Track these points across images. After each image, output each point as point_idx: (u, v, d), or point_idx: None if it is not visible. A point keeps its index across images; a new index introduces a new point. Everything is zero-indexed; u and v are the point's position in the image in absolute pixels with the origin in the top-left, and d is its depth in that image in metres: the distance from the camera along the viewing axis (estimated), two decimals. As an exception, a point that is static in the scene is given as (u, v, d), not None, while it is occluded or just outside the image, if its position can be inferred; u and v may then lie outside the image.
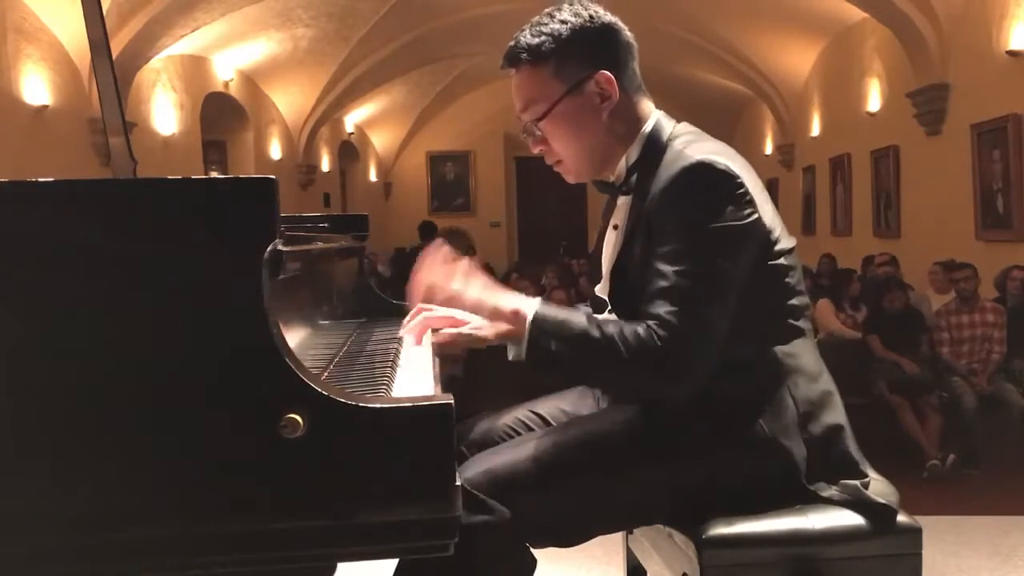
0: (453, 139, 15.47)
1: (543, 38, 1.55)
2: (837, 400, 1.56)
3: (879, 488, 1.53)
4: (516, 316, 1.46)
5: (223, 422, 1.12)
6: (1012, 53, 5.98)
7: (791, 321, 1.54)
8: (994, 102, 6.22)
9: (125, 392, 1.12)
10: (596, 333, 1.42)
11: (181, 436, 1.12)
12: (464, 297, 1.50)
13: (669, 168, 1.48)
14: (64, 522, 1.10)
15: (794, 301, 1.55)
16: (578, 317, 1.47)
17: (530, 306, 1.47)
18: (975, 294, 5.15)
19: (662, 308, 1.41)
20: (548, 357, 1.44)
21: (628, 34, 1.61)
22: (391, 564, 1.41)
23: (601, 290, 1.68)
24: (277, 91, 10.82)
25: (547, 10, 1.58)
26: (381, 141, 15.45)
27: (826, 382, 1.56)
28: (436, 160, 15.80)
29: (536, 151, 1.65)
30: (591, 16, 1.57)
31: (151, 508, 1.11)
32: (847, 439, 1.53)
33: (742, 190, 1.46)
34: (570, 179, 1.68)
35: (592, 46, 1.56)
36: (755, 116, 12.85)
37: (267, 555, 1.13)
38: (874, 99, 8.61)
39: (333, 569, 1.23)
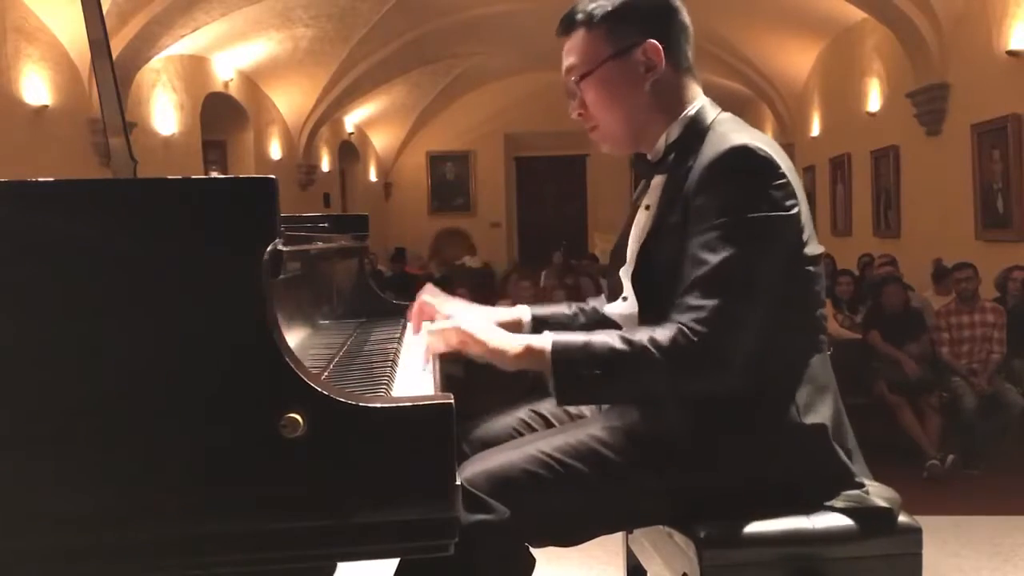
0: (453, 139, 15.45)
1: (600, 2, 1.56)
2: (842, 409, 1.52)
3: (878, 492, 1.50)
4: (531, 353, 1.41)
5: (223, 422, 1.12)
6: (1012, 53, 5.98)
7: (815, 334, 1.51)
8: (994, 102, 6.22)
9: (125, 392, 1.12)
10: (625, 346, 1.37)
11: (181, 436, 1.12)
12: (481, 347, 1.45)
13: (711, 151, 1.46)
14: (64, 522, 1.10)
15: (818, 312, 1.52)
16: (599, 336, 1.41)
17: (543, 339, 1.41)
18: (975, 294, 5.14)
19: (698, 300, 1.38)
20: (581, 387, 1.39)
21: (686, 16, 1.60)
22: (391, 564, 1.41)
23: (625, 272, 1.63)
24: (277, 91, 10.82)
25: None
26: (381, 141, 15.43)
27: (834, 392, 1.52)
28: (436, 160, 15.78)
29: (574, 115, 1.63)
30: None
31: (151, 508, 1.12)
32: (851, 450, 1.50)
33: (784, 180, 1.43)
34: (604, 148, 1.66)
35: (646, 15, 1.56)
36: (755, 116, 12.82)
37: (267, 555, 1.13)
38: (874, 99, 8.61)
39: (333, 569, 1.23)
